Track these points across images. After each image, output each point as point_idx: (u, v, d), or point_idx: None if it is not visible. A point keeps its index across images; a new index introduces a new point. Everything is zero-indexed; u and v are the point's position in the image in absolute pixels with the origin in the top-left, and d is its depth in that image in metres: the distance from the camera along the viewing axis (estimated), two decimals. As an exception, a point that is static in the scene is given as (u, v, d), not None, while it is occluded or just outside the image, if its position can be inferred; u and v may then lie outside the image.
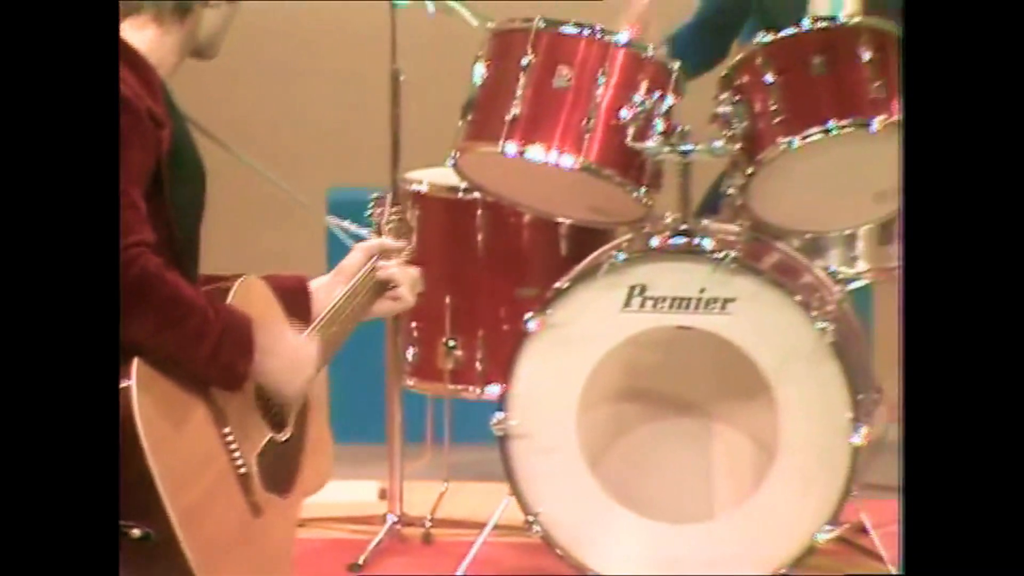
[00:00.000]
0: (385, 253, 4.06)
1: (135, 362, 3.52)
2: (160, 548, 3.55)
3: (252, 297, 3.79)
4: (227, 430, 3.67)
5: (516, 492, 5.26)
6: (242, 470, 3.67)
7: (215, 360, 3.63)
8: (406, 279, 4.06)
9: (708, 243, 5.25)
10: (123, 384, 3.52)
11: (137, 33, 3.78)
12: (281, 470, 3.82)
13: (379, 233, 4.13)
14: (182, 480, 3.58)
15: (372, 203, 4.07)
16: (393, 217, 4.18)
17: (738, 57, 5.42)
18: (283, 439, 3.78)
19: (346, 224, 4.15)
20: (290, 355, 3.78)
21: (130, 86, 3.65)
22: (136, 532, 3.53)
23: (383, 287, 4.04)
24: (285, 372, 3.78)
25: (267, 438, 3.75)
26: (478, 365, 5.65)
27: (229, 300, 3.71)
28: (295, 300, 3.93)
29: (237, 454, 3.68)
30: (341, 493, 5.63)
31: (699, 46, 5.92)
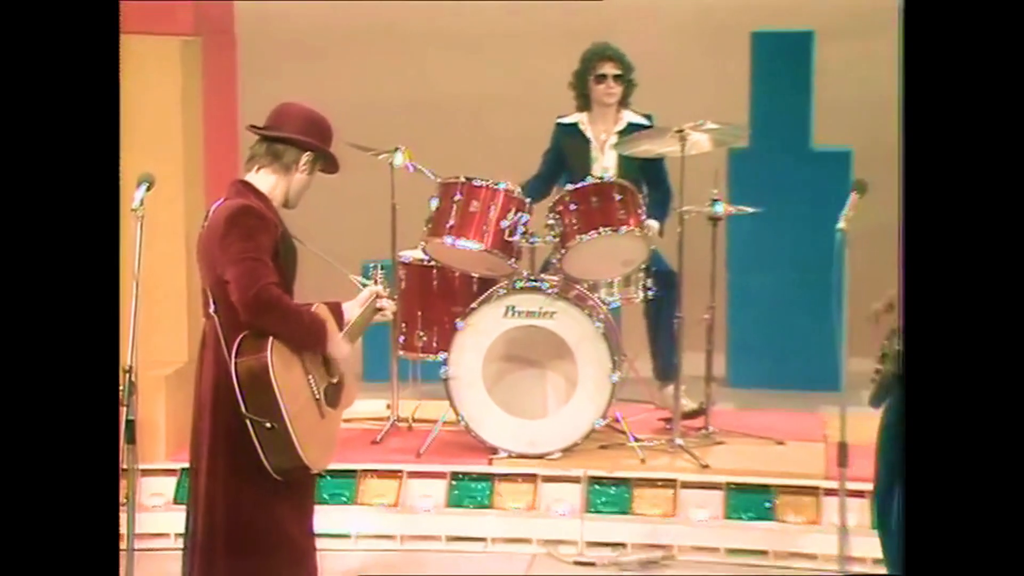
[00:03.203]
0: (379, 295, 3.93)
1: (270, 340, 3.58)
2: (280, 434, 3.56)
3: (323, 312, 3.80)
4: (310, 377, 3.69)
5: (453, 406, 5.48)
6: (317, 397, 3.71)
7: (308, 338, 3.68)
8: (390, 307, 3.97)
9: (544, 285, 5.48)
10: (265, 352, 3.55)
11: (268, 177, 3.74)
12: (333, 396, 3.77)
13: (375, 283, 3.95)
14: (290, 399, 3.60)
15: (372, 268, 3.95)
16: (381, 275, 3.99)
17: (557, 196, 5.56)
18: (334, 381, 3.78)
19: (359, 278, 3.95)
20: (336, 340, 3.77)
21: (262, 207, 3.68)
22: (268, 425, 3.54)
23: (378, 310, 3.94)
24: (335, 347, 3.75)
25: (327, 381, 3.75)
26: (435, 344, 5.69)
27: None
28: (337, 312, 3.85)
29: (315, 388, 3.71)
30: (367, 406, 5.80)
31: (538, 190, 5.86)
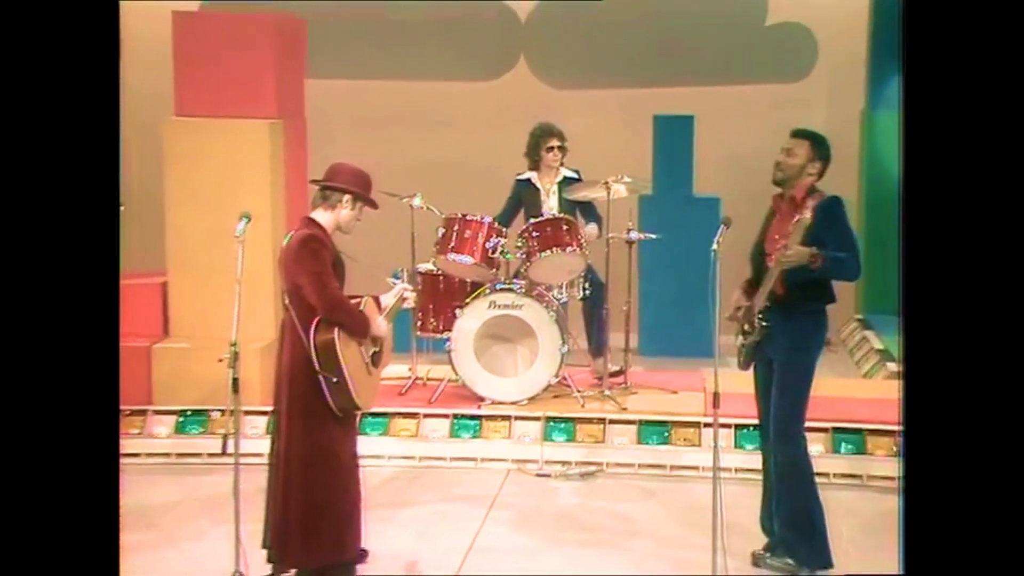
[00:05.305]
0: (406, 289, 3.84)
1: (336, 329, 3.53)
2: (342, 385, 3.54)
3: (369, 303, 3.74)
4: (363, 348, 3.66)
5: (454, 369, 5.45)
6: (366, 360, 3.69)
7: (358, 329, 3.62)
8: (412, 297, 3.87)
9: (515, 287, 5.44)
10: (333, 332, 3.49)
11: (324, 213, 3.68)
12: (376, 359, 3.75)
13: (403, 281, 3.85)
14: (349, 362, 3.56)
15: (400, 271, 3.82)
16: (406, 275, 3.88)
17: (524, 227, 5.47)
18: (377, 351, 3.74)
19: (391, 280, 3.83)
20: (377, 325, 3.72)
21: (321, 235, 3.62)
22: (334, 379, 3.50)
23: (404, 299, 3.84)
24: (376, 330, 3.71)
25: (373, 350, 3.72)
26: (441, 327, 5.62)
27: (362, 307, 3.69)
28: (377, 302, 3.79)
29: (366, 355, 3.68)
30: (395, 369, 5.64)
31: (504, 220, 5.68)
